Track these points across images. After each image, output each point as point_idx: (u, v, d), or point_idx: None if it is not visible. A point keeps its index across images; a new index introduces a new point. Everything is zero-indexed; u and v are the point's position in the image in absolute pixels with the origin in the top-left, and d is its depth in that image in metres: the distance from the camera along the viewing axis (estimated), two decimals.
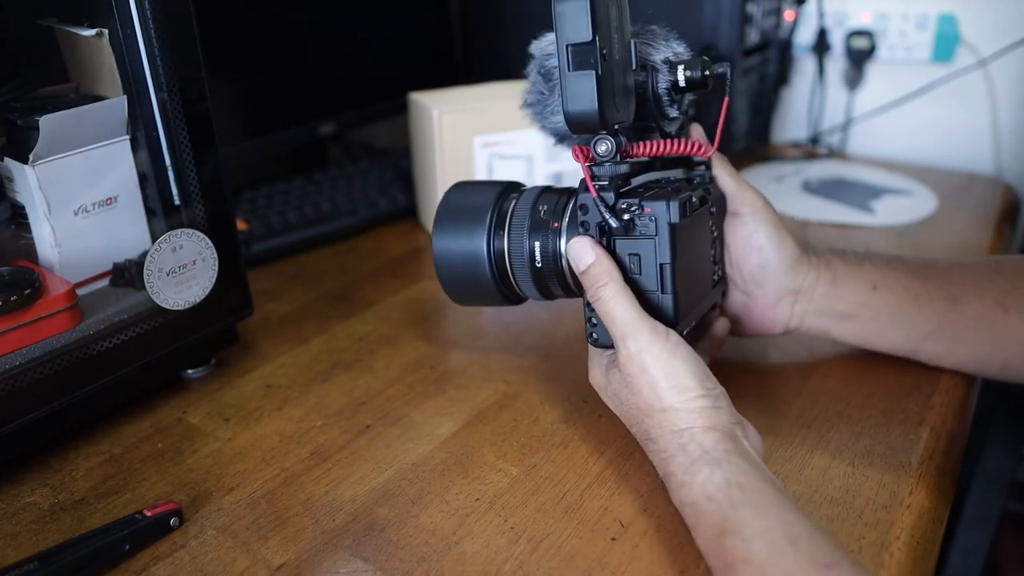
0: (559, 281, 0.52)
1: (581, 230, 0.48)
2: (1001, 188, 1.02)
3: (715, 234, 0.54)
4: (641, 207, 0.46)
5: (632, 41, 0.47)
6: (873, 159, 1.14)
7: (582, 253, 0.47)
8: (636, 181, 0.50)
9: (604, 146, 0.46)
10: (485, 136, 0.82)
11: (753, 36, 1.01)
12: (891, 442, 0.52)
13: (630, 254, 0.47)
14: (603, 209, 0.46)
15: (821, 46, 1.15)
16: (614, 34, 0.44)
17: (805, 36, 1.17)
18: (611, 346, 0.47)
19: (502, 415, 0.56)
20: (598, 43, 0.42)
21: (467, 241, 0.53)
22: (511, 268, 0.52)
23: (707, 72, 0.49)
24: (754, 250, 0.54)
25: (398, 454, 0.52)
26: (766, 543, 0.36)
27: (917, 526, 0.45)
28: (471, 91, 0.87)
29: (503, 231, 0.52)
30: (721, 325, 0.56)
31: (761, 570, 0.36)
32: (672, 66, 0.49)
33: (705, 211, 0.51)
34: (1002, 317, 0.53)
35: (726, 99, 0.50)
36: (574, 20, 0.42)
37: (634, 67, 0.47)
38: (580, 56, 0.43)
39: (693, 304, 0.50)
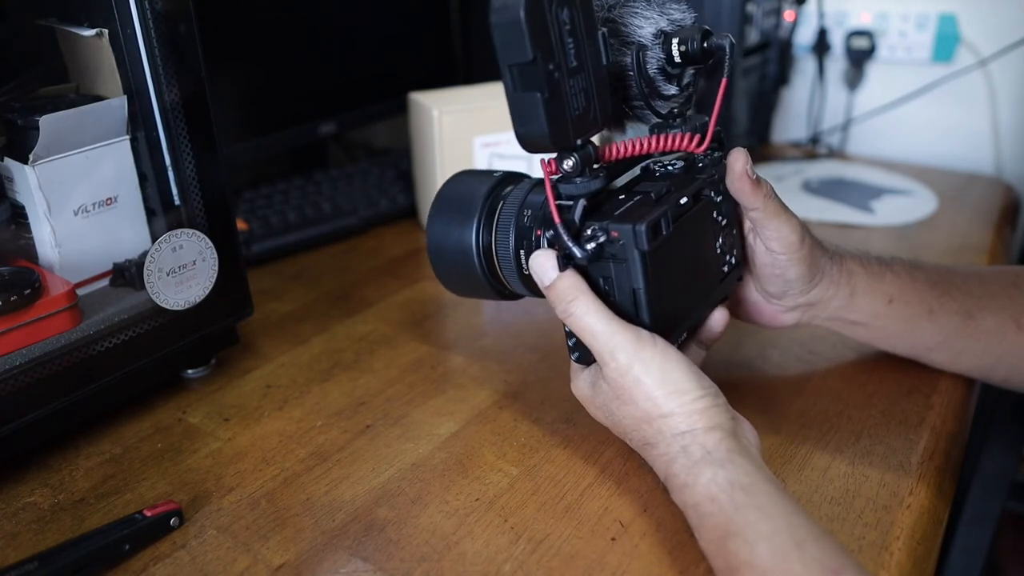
0: None
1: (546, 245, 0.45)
2: (1001, 188, 1.02)
3: (724, 222, 0.50)
4: (608, 232, 0.42)
5: (601, 32, 0.43)
6: (873, 159, 1.14)
7: (545, 267, 0.45)
8: (626, 177, 0.48)
9: (568, 162, 0.43)
10: (485, 136, 0.82)
11: (753, 36, 1.01)
12: (891, 442, 0.52)
13: (603, 276, 0.44)
14: (566, 238, 0.42)
15: (821, 46, 1.15)
16: (567, 39, 0.40)
17: (805, 36, 1.17)
18: (595, 361, 0.45)
19: (502, 415, 0.56)
20: (541, 62, 0.38)
21: (457, 233, 0.50)
22: (500, 267, 0.50)
23: (706, 44, 0.44)
24: (779, 279, 0.52)
25: (398, 454, 0.52)
26: (771, 547, 0.36)
27: (917, 526, 0.45)
28: (471, 91, 0.87)
29: (491, 229, 0.49)
30: (717, 320, 0.51)
31: (765, 574, 0.36)
32: (666, 39, 0.44)
33: (707, 203, 0.47)
34: (1014, 333, 0.53)
35: (724, 80, 0.44)
36: (511, 39, 0.38)
37: (605, 62, 0.43)
38: (525, 76, 0.39)
39: (683, 317, 0.47)
